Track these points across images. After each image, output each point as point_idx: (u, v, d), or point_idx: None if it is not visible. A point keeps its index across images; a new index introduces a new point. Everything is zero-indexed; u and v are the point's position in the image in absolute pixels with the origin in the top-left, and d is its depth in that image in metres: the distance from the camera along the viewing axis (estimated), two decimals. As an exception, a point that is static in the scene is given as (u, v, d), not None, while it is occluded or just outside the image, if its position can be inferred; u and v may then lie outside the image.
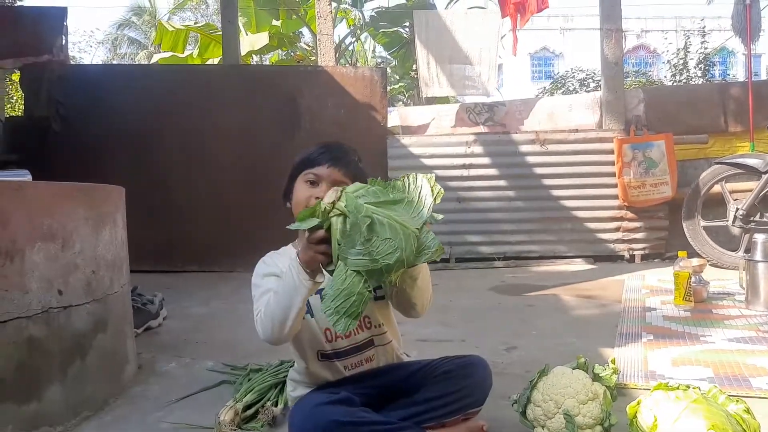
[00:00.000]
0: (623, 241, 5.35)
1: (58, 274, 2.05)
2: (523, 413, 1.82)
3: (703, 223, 4.78)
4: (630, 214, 5.31)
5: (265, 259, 1.90)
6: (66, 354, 2.09)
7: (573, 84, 14.99)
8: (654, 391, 1.62)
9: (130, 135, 5.17)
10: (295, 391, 1.95)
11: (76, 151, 4.98)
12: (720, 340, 2.81)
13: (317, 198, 1.69)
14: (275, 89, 5.29)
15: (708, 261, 4.65)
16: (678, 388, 1.58)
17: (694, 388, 1.58)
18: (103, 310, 2.30)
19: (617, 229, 5.35)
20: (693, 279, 3.52)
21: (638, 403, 1.62)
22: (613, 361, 1.83)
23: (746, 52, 5.37)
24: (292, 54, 11.26)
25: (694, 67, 13.08)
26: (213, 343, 3.14)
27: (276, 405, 2.16)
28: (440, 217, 1.57)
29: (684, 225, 4.81)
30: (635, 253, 5.34)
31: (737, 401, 1.58)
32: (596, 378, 1.82)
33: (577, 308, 3.66)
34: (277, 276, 1.72)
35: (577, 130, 5.37)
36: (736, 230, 4.72)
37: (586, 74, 14.86)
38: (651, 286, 4.16)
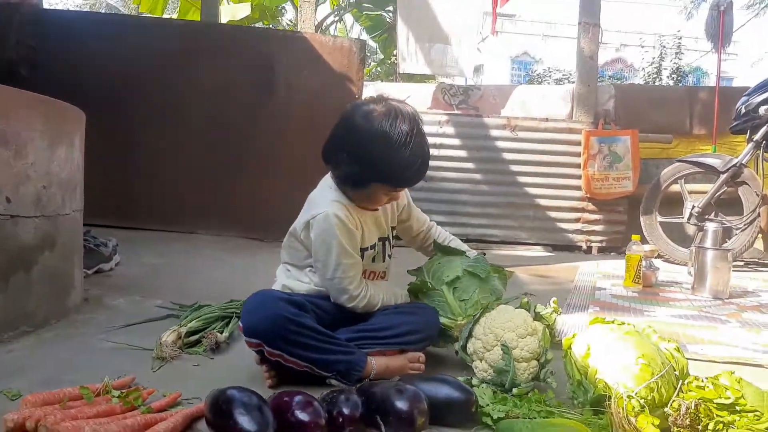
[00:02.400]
0: (582, 232, 5.46)
1: (7, 181, 2.01)
2: (464, 348, 1.85)
3: (659, 218, 4.90)
4: (591, 206, 5.42)
5: (342, 220, 1.82)
6: (9, 265, 2.05)
7: (549, 83, 15.23)
8: (590, 325, 1.66)
9: (102, 87, 5.03)
10: (285, 280, 1.99)
11: (42, 98, 4.84)
12: (663, 315, 2.90)
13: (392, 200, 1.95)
14: (252, 52, 5.22)
15: (662, 256, 4.78)
16: (613, 322, 1.63)
17: (628, 323, 1.63)
18: (52, 229, 2.26)
19: (577, 220, 5.45)
20: (644, 263, 3.61)
21: (573, 336, 1.67)
22: (555, 302, 1.87)
23: (717, 61, 5.51)
24: (273, 28, 11.15)
25: (667, 77, 13.43)
26: (165, 287, 3.10)
27: (221, 333, 2.14)
28: None
29: (641, 219, 4.92)
30: (593, 244, 5.44)
31: (669, 341, 1.64)
32: (537, 317, 1.86)
33: (530, 284, 3.72)
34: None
35: (548, 119, 5.45)
36: (690, 227, 4.85)
37: (563, 74, 15.09)
38: (604, 272, 4.25)
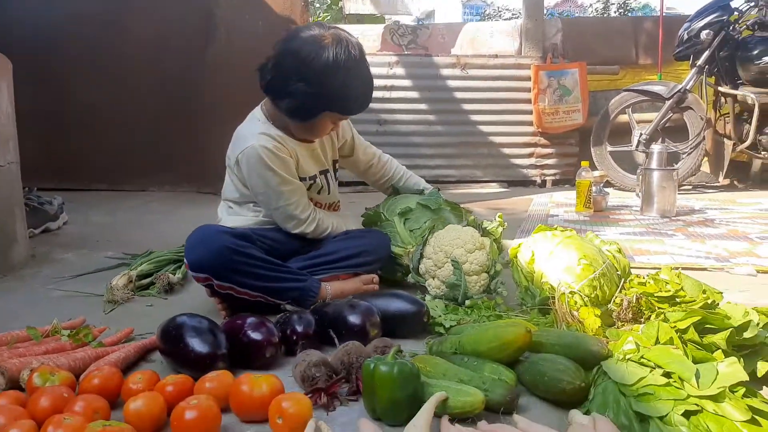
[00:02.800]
0: (536, 167, 5.52)
1: (-71, 130, 1.90)
2: (416, 270, 1.87)
3: (609, 148, 4.99)
4: (543, 141, 5.47)
5: (271, 150, 1.79)
6: (-59, 218, 1.97)
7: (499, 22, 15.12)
8: (535, 234, 1.69)
9: (31, 42, 4.78)
10: (227, 217, 1.96)
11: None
12: (612, 234, 2.98)
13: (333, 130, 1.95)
14: (189, -2, 5.01)
15: (613, 184, 4.89)
16: (556, 229, 1.66)
17: (570, 230, 1.67)
18: (-14, 181, 2.17)
19: (531, 155, 5.51)
20: (594, 188, 3.69)
21: (519, 245, 1.70)
22: (501, 216, 1.90)
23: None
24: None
25: (614, 13, 13.52)
26: (114, 241, 3.03)
27: (174, 274, 2.12)
28: None
29: (592, 150, 5.00)
30: (547, 178, 5.52)
31: (611, 243, 1.68)
32: (485, 233, 1.89)
33: (485, 216, 3.76)
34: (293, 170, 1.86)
35: (497, 56, 5.43)
36: (640, 155, 4.95)
37: (512, 14, 14.99)
38: (557, 201, 4.34)
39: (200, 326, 1.35)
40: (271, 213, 1.88)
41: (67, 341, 1.48)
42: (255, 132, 1.82)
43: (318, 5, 8.58)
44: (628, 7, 13.48)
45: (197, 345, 1.30)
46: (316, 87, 1.73)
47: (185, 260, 1.76)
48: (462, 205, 2.29)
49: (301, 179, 1.90)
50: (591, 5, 15.05)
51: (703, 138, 4.68)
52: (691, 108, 4.68)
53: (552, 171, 5.53)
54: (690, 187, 4.97)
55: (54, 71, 4.99)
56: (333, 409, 1.19)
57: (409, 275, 1.92)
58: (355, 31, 5.94)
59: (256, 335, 1.37)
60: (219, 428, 1.08)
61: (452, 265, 1.74)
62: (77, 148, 5.06)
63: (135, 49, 4.94)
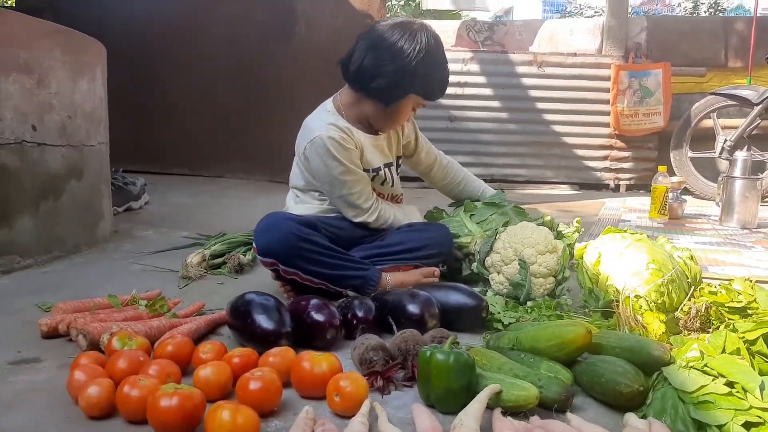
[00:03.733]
0: (610, 170, 5.36)
1: (32, 109, 2.07)
2: (482, 261, 1.87)
3: (690, 154, 4.78)
4: (619, 143, 5.30)
5: (335, 140, 1.85)
6: (38, 191, 2.13)
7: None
8: (604, 235, 1.66)
9: (123, 34, 5.06)
10: (294, 206, 2.03)
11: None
12: (687, 243, 2.87)
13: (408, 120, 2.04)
14: (272, -9, 5.17)
15: (692, 192, 4.69)
16: (626, 231, 1.63)
17: (640, 233, 1.63)
18: (79, 159, 2.33)
19: (605, 158, 5.35)
20: (670, 195, 3.55)
21: (586, 246, 1.67)
22: (578, 222, 1.87)
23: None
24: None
25: (705, 12, 12.82)
26: (191, 222, 3.19)
27: (244, 255, 2.21)
28: None
29: (671, 155, 4.80)
30: (621, 182, 5.35)
31: (683, 250, 1.63)
32: (559, 235, 1.86)
33: (554, 217, 3.70)
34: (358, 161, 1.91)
35: (575, 54, 5.30)
36: (723, 162, 4.72)
37: (594, 11, 14.46)
38: (630, 206, 4.21)
39: (267, 304, 1.42)
40: (335, 201, 1.93)
41: (144, 310, 1.58)
42: (323, 123, 1.88)
43: (395, 1, 8.63)
44: (719, 7, 12.77)
45: (263, 321, 1.37)
46: (406, 67, 1.83)
47: (254, 245, 1.83)
48: (530, 206, 2.28)
49: (365, 170, 1.94)
50: (680, 4, 14.36)
51: (794, 147, 4.41)
52: (782, 115, 4.42)
53: (627, 175, 5.36)
54: (776, 198, 4.70)
55: (143, 62, 5.28)
56: (388, 393, 1.22)
57: (474, 264, 1.92)
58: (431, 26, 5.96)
59: (318, 316, 1.42)
60: (279, 400, 1.14)
61: (519, 264, 1.72)
62: (161, 134, 5.34)
63: (216, 43, 5.16)
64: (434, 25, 6.01)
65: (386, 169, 2.03)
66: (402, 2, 8.58)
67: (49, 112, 2.13)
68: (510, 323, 1.54)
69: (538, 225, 1.89)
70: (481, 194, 2.30)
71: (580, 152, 5.38)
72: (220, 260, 2.21)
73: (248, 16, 5.17)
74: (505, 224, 1.87)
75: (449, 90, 5.75)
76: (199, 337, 1.48)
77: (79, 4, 5.21)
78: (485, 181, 5.33)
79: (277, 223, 1.75)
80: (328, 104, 1.98)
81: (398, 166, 2.14)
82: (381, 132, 2.02)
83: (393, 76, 1.83)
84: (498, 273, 1.80)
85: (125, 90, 5.14)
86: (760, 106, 4.39)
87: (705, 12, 13.07)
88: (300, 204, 2.01)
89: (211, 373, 1.15)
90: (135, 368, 1.18)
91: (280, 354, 1.25)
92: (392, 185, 2.07)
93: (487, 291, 1.82)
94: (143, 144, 5.32)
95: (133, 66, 5.21)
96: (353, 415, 1.08)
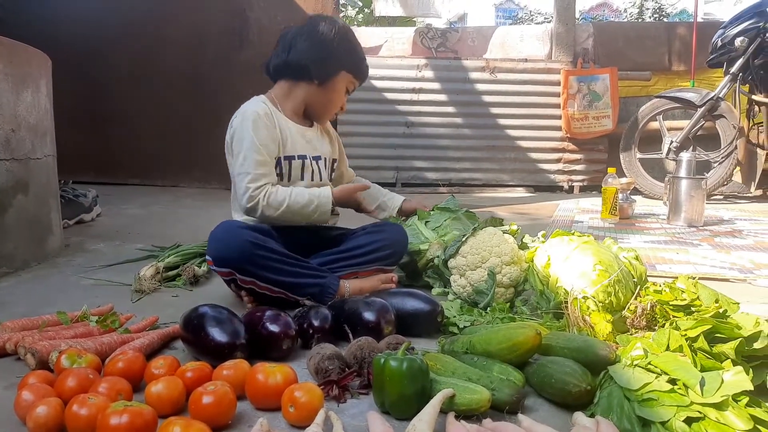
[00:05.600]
0: (563, 172, 5.50)
1: (-27, 122, 2.00)
2: (445, 262, 1.89)
3: (639, 155, 4.93)
4: (571, 146, 5.44)
5: (261, 118, 1.89)
6: (-18, 206, 2.06)
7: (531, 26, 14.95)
8: (552, 238, 1.71)
9: (73, 43, 4.93)
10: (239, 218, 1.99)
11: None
12: (636, 242, 2.97)
13: (342, 108, 2.09)
14: (223, 0, 5.13)
15: (641, 192, 4.83)
16: (573, 233, 1.67)
17: (587, 235, 1.68)
18: (24, 173, 2.27)
19: (558, 161, 5.49)
20: (620, 196, 3.66)
21: (535, 249, 1.71)
22: (543, 235, 1.91)
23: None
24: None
25: (650, 18, 13.29)
26: (145, 234, 3.13)
27: (199, 267, 2.18)
28: None
29: (621, 156, 4.95)
30: (574, 184, 5.49)
31: (628, 250, 1.69)
32: (522, 246, 1.90)
33: (510, 220, 3.76)
34: (273, 142, 1.90)
35: (526, 60, 5.42)
36: (670, 163, 4.89)
37: (545, 18, 14.82)
38: (583, 208, 4.32)
39: (221, 316, 1.40)
40: (235, 180, 1.90)
41: (94, 327, 1.55)
42: (255, 100, 1.97)
43: (350, 7, 8.66)
44: (663, 13, 13.24)
45: (217, 334, 1.36)
46: (332, 43, 1.94)
47: (207, 256, 1.81)
48: (487, 209, 2.32)
49: (289, 156, 1.94)
50: (626, 10, 14.82)
51: (736, 147, 4.61)
52: (723, 116, 4.61)
53: (580, 177, 5.50)
54: (721, 197, 4.90)
55: (93, 72, 5.19)
56: (344, 401, 1.22)
57: (436, 259, 1.94)
58: (385, 33, 6.01)
59: (273, 327, 1.42)
60: (234, 414, 1.13)
61: (488, 275, 1.75)
62: (113, 144, 5.24)
63: (170, 52, 5.11)
64: (388, 32, 6.07)
65: (314, 162, 2.01)
66: (356, 9, 8.62)
67: (-8, 125, 2.07)
68: (465, 327, 1.57)
69: (505, 234, 1.93)
70: (389, 199, 2.28)
71: (534, 155, 5.50)
72: (174, 272, 2.17)
73: (202, 25, 5.13)
74: (474, 230, 1.89)
75: (405, 96, 5.82)
76: (152, 352, 1.45)
77: (26, 15, 5.07)
78: (443, 185, 5.41)
79: (231, 231, 1.73)
80: (262, 96, 2.02)
81: (332, 168, 2.14)
82: (319, 121, 2.09)
83: (322, 51, 1.93)
84: (461, 276, 1.83)
85: (76, 101, 5.03)
86: (703, 108, 4.58)
87: (649, 18, 13.53)
88: (240, 214, 1.95)
89: (163, 389, 1.13)
90: (84, 386, 1.15)
91: (233, 366, 1.24)
92: (321, 179, 2.03)
93: (447, 291, 1.84)
94: (95, 155, 5.22)
95: (83, 76, 5.10)
96: (308, 425, 1.08)
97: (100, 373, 1.27)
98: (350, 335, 1.42)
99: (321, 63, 1.93)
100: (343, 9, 8.04)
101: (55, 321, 1.58)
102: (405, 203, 2.27)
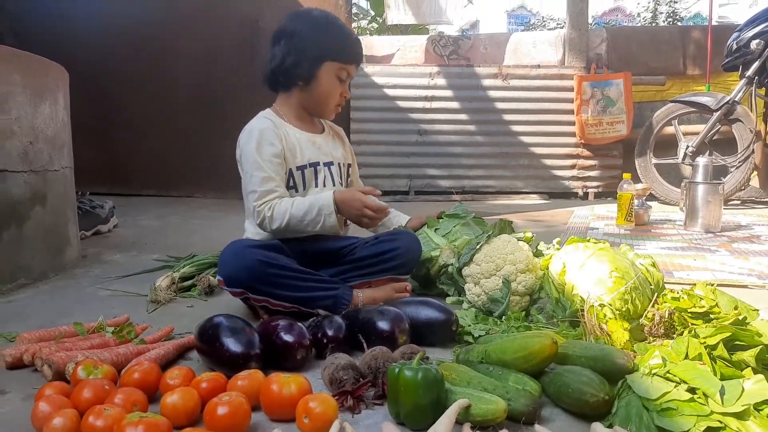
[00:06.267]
0: (578, 179, 5.46)
1: (-8, 136, 2.03)
2: (459, 270, 1.88)
3: (654, 160, 4.89)
4: (586, 152, 5.41)
5: (264, 134, 1.88)
6: (1, 219, 2.09)
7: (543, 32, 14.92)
8: (567, 245, 1.69)
9: (88, 57, 5.01)
10: (252, 231, 1.98)
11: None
12: (652, 248, 2.93)
13: (343, 96, 1.99)
14: (236, 10, 5.17)
15: (657, 197, 4.79)
16: (588, 240, 1.66)
17: (603, 242, 1.66)
18: (42, 185, 2.29)
19: (573, 167, 5.46)
20: (636, 202, 3.63)
21: (551, 256, 1.70)
22: (558, 242, 1.89)
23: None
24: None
25: (663, 22, 13.21)
26: (161, 244, 3.16)
27: (214, 277, 2.19)
28: None
29: (636, 162, 4.91)
30: (589, 190, 5.46)
31: (645, 257, 1.67)
32: (537, 253, 1.89)
33: (524, 227, 3.74)
34: (278, 157, 1.87)
35: (539, 66, 5.41)
36: (686, 168, 4.84)
37: (557, 23, 14.79)
38: (598, 214, 4.28)
39: (235, 326, 1.41)
40: (246, 199, 1.90)
41: (111, 337, 1.56)
42: (256, 119, 1.96)
43: (362, 16, 8.69)
44: (677, 17, 13.17)
45: (231, 344, 1.36)
46: (305, 35, 1.89)
47: (218, 276, 1.81)
48: (501, 216, 2.31)
49: (301, 167, 1.93)
50: (639, 14, 14.77)
51: (753, 151, 4.55)
52: (740, 120, 4.55)
53: (594, 183, 5.47)
54: (738, 202, 4.83)
55: (109, 85, 5.26)
56: (358, 412, 1.22)
57: (450, 267, 1.93)
58: (397, 42, 6.03)
59: (288, 337, 1.41)
60: (248, 424, 1.13)
61: (503, 283, 1.74)
62: (129, 155, 5.30)
63: (183, 63, 5.17)
64: (400, 40, 6.09)
65: (326, 168, 1.98)
66: (368, 19, 8.65)
67: (10, 138, 2.10)
68: (480, 336, 1.55)
69: (518, 240, 1.92)
70: (394, 216, 2.23)
71: (548, 162, 5.47)
72: (189, 283, 2.18)
73: (216, 37, 5.18)
74: (488, 237, 1.88)
75: (418, 104, 5.81)
76: (167, 363, 1.46)
77: (41, 28, 5.17)
78: (456, 192, 5.40)
79: (241, 251, 1.72)
80: (267, 110, 2.02)
81: (348, 173, 2.11)
82: (323, 117, 2.07)
83: (296, 50, 1.89)
84: (476, 284, 1.81)
85: (91, 113, 5.09)
86: (719, 112, 4.53)
87: (663, 22, 13.45)
88: (255, 227, 1.94)
89: (178, 400, 1.14)
90: (100, 398, 1.16)
91: (248, 377, 1.24)
92: (334, 185, 2.00)
93: (462, 300, 1.83)
94: (111, 166, 5.28)
95: (99, 89, 5.18)
96: (323, 436, 1.07)
97: (116, 384, 1.28)
98: (364, 345, 1.41)
99: (299, 62, 1.89)
100: (355, 18, 8.08)
101: (71, 332, 1.59)
102: (412, 221, 2.22)
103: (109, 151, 5.29)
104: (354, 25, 7.58)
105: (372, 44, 5.79)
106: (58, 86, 2.45)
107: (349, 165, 2.12)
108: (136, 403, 1.15)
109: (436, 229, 2.11)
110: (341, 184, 2.04)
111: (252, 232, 1.96)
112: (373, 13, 8.59)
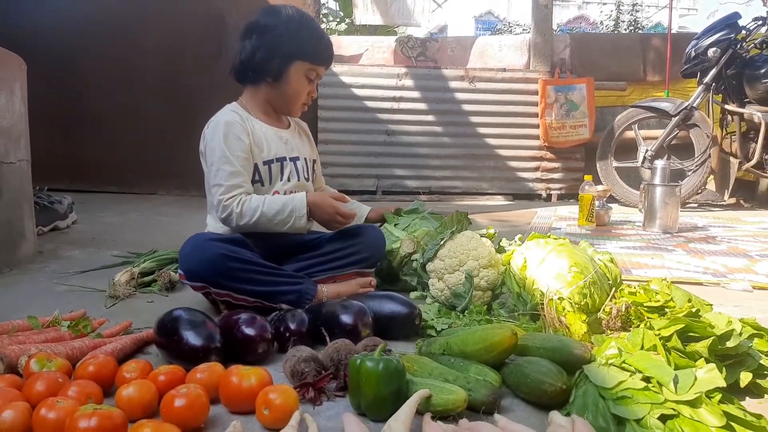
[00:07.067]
0: (542, 181, 5.55)
1: (-57, 125, 1.96)
2: (423, 266, 1.89)
3: (615, 163, 5.00)
4: (549, 155, 5.50)
5: (231, 128, 1.85)
6: (-48, 211, 2.02)
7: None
8: (528, 241, 1.72)
9: (50, 50, 4.88)
10: (214, 225, 1.95)
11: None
12: (612, 248, 3.00)
13: (310, 95, 1.97)
14: (202, 6, 5.11)
15: (617, 200, 4.89)
16: (549, 236, 1.68)
17: (563, 238, 1.69)
18: (-3, 177, 2.22)
19: (536, 169, 5.54)
20: (597, 203, 3.70)
21: (512, 252, 1.72)
22: (520, 238, 1.91)
23: (669, 2, 5.57)
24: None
25: (625, 30, 13.59)
26: (122, 241, 3.09)
27: (176, 272, 2.15)
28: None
29: (597, 165, 5.01)
30: (552, 192, 5.55)
31: (603, 254, 1.70)
32: (500, 249, 1.91)
33: (488, 226, 3.78)
34: (245, 152, 1.83)
35: (505, 69, 5.48)
36: (645, 171, 4.96)
37: (523, 29, 15.03)
38: (560, 215, 4.36)
39: (195, 320, 1.39)
40: (209, 193, 1.87)
41: (66, 331, 1.52)
42: (225, 110, 1.93)
43: (332, 17, 8.68)
44: (638, 26, 13.55)
45: (191, 338, 1.34)
46: (276, 32, 1.87)
47: (179, 271, 1.78)
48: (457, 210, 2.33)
49: (268, 161, 1.90)
50: (602, 23, 15.14)
51: (709, 156, 4.69)
52: (697, 125, 4.69)
53: (557, 185, 5.56)
54: (695, 205, 4.97)
55: (71, 78, 5.13)
56: (320, 404, 1.21)
57: (414, 263, 1.94)
58: (365, 42, 6.04)
59: (249, 330, 1.40)
60: (207, 416, 1.11)
61: (465, 278, 1.75)
62: (90, 151, 5.18)
63: (148, 58, 5.08)
64: (368, 41, 6.10)
65: (292, 163, 1.96)
66: (338, 20, 8.65)
67: (-37, 128, 2.03)
68: (442, 329, 1.56)
69: (481, 236, 1.94)
70: (356, 207, 2.23)
71: (513, 164, 5.55)
72: (150, 278, 2.14)
73: (182, 32, 5.10)
74: (452, 233, 1.90)
75: (386, 105, 5.82)
76: (125, 357, 1.42)
77: (0, 18, 5.00)
78: (423, 193, 5.42)
79: (202, 245, 1.69)
80: (233, 104, 1.98)
81: (313, 169, 2.09)
82: (289, 115, 2.04)
83: (268, 46, 1.87)
84: (439, 279, 1.83)
85: (52, 106, 4.96)
86: (677, 117, 4.66)
87: (625, 30, 13.82)
88: (217, 221, 1.90)
89: (133, 392, 1.11)
90: (53, 390, 1.12)
91: (207, 370, 1.22)
92: (298, 180, 1.98)
93: (426, 295, 1.84)
94: (71, 161, 5.15)
95: (60, 82, 5.05)
96: (283, 428, 1.06)
97: (70, 377, 1.24)
98: (327, 338, 1.41)
99: (269, 58, 1.87)
100: (324, 20, 8.06)
101: (25, 326, 1.54)
102: (371, 212, 2.22)
103: (70, 147, 5.16)
104: (323, 26, 7.56)
105: (340, 43, 5.79)
106: (15, 77, 2.38)
107: (314, 161, 2.12)
108: (91, 395, 1.12)
109: (395, 224, 2.12)
110: (306, 180, 2.02)
111: (213, 226, 1.92)
112: (342, 14, 8.59)
